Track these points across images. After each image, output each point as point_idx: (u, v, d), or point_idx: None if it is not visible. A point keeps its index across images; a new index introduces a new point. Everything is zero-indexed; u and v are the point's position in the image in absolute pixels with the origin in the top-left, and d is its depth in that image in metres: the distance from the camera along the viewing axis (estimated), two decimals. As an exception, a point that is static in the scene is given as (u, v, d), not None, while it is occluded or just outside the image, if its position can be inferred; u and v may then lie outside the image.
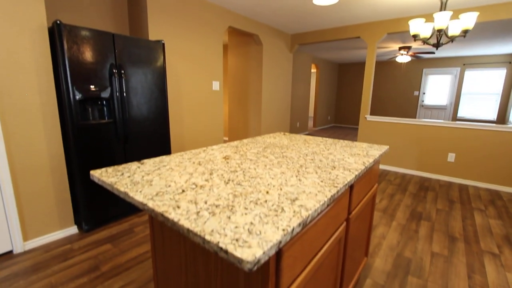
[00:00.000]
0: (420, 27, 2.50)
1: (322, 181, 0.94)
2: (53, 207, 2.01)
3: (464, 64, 7.15)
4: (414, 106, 8.06)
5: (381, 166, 4.22)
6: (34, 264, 1.73)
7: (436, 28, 2.36)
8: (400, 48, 5.92)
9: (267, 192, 0.82)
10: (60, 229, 2.07)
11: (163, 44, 2.49)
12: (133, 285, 1.55)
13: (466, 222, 2.43)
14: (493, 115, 6.97)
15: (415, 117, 8.09)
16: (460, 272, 1.74)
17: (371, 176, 1.41)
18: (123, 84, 2.22)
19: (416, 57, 6.04)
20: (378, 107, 8.74)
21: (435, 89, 7.68)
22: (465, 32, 2.32)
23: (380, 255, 1.91)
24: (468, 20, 2.29)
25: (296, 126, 7.15)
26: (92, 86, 2.06)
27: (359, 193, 1.24)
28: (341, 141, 1.76)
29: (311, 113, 11.79)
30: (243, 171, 1.04)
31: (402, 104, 8.26)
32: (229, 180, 0.94)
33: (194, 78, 3.21)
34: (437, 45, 2.51)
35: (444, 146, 3.66)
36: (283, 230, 0.60)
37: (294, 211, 0.69)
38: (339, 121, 9.63)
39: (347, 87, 9.27)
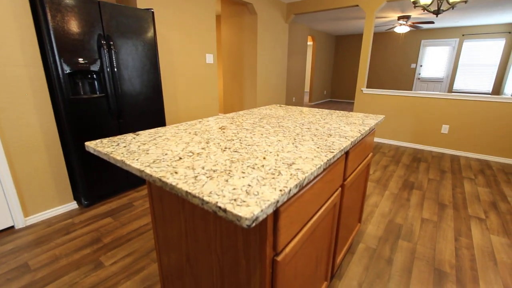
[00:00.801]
0: (420, -7, 2.40)
1: (318, 147, 0.94)
2: (50, 183, 2.01)
3: (463, 35, 6.99)
4: (411, 79, 7.99)
5: (376, 139, 4.26)
6: (37, 238, 1.77)
7: (437, -6, 2.27)
8: (399, 18, 5.73)
9: (264, 158, 0.83)
10: (60, 205, 2.09)
11: (153, 13, 2.36)
12: (135, 255, 1.60)
13: (456, 191, 2.52)
14: (488, 87, 6.96)
15: (411, 90, 8.04)
16: (447, 236, 1.83)
17: (366, 145, 1.42)
18: (113, 57, 2.14)
19: (415, 27, 5.87)
20: (374, 80, 8.65)
21: (433, 61, 7.57)
22: (467, -3, 2.24)
23: (372, 222, 1.99)
24: (471, -16, 2.20)
25: (292, 101, 7.08)
26: (80, 59, 1.98)
27: (354, 161, 1.26)
28: (337, 111, 1.75)
29: (306, 88, 11.64)
30: (240, 140, 1.04)
31: (399, 77, 8.17)
32: (225, 148, 0.94)
33: (186, 51, 3.10)
34: (437, 12, 2.43)
35: (439, 118, 3.68)
36: (281, 190, 0.61)
37: (291, 174, 0.70)
38: (335, 95, 9.55)
39: (344, 60, 9.08)
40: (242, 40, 4.48)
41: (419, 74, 7.84)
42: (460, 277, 1.47)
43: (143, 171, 0.73)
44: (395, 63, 8.16)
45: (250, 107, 4.69)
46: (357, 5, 4.02)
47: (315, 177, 0.84)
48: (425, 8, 2.47)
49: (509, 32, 6.43)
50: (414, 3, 2.41)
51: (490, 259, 1.62)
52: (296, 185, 0.66)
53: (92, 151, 0.96)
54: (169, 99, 3.02)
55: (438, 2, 2.36)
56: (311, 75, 8.24)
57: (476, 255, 1.65)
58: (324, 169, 0.90)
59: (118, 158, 0.82)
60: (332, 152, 0.90)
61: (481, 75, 7.01)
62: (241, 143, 1.00)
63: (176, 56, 3.00)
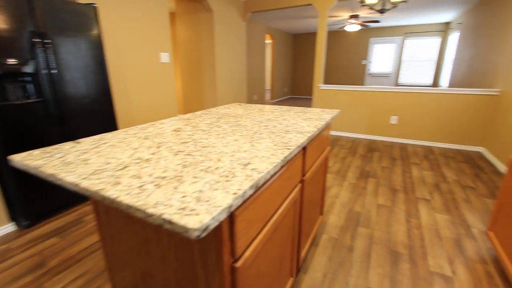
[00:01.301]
0: (366, -7, 2.55)
1: (275, 145, 0.93)
2: (-22, 204, 1.73)
3: (405, 33, 7.67)
4: (362, 74, 8.54)
5: (334, 132, 4.47)
6: (-37, 270, 1.51)
7: (380, -6, 2.43)
8: (350, 17, 6.07)
9: (219, 160, 0.79)
10: (-7, 228, 1.81)
11: (95, 8, 2.15)
12: (86, 277, 1.45)
13: (405, 176, 2.75)
14: (429, 80, 7.74)
15: (363, 85, 8.61)
16: (400, 219, 1.98)
17: (323, 139, 1.46)
18: (51, 56, 1.90)
19: (364, 26, 6.27)
20: (330, 77, 9.08)
21: (380, 57, 8.19)
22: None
23: (334, 212, 2.07)
24: (408, -14, 2.39)
25: (253, 99, 7.12)
26: (9, 59, 1.72)
27: (312, 155, 1.28)
28: (296, 107, 1.77)
29: (267, 85, 11.80)
30: (195, 142, 0.99)
31: (351, 73, 8.68)
32: (178, 151, 0.88)
33: (138, 50, 2.90)
34: (382, 11, 2.61)
35: (388, 110, 3.98)
36: (234, 194, 0.58)
37: (246, 175, 0.68)
38: (295, 92, 9.82)
39: (302, 58, 9.38)
40: (199, 38, 4.36)
41: (369, 69, 8.42)
42: (412, 255, 1.59)
43: (77, 184, 0.64)
44: (347, 60, 8.66)
45: (211, 107, 4.59)
46: (310, 4, 4.15)
47: (272, 176, 0.82)
48: (371, 7, 2.62)
49: (443, 31, 7.22)
50: (361, 2, 2.55)
51: (436, 235, 1.78)
52: (251, 186, 0.63)
53: (19, 166, 0.82)
54: (121, 101, 2.80)
55: (382, 2, 2.53)
56: (271, 73, 8.36)
57: (424, 233, 1.81)
58: (282, 167, 0.89)
59: (49, 172, 0.72)
60: (289, 148, 0.89)
61: (422, 70, 7.76)
62: (195, 145, 0.95)
63: (127, 56, 2.79)
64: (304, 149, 1.13)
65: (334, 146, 3.82)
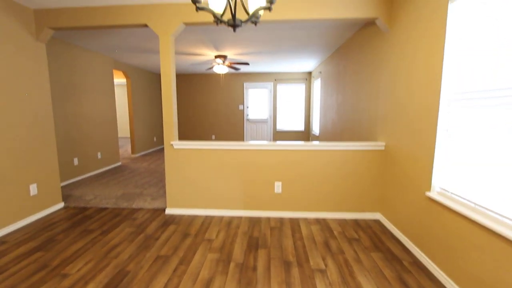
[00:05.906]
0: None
1: None
2: None
3: (275, 80, 7.63)
4: (241, 120, 7.90)
5: (201, 212, 2.97)
6: None
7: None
8: (216, 57, 5.19)
9: None
10: None
11: None
12: None
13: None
14: (302, 126, 7.80)
15: (243, 132, 7.92)
16: None
17: None
18: None
19: (233, 68, 5.53)
20: (205, 122, 8.00)
21: (256, 102, 7.83)
22: (271, 2, 1.35)
23: None
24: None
25: (97, 158, 4.90)
26: None
27: None
28: None
29: (124, 134, 9.65)
30: None
31: (230, 118, 7.91)
32: None
33: None
34: (234, 24, 1.45)
35: (270, 174, 2.88)
36: None
37: None
38: (168, 141, 8.10)
39: (177, 101, 7.93)
40: None
41: (247, 115, 7.88)
42: None
43: None
44: (224, 105, 7.89)
45: None
46: (146, 25, 2.78)
47: None
48: (218, 18, 1.41)
49: (306, 79, 7.55)
50: (194, 2, 1.29)
51: None
52: None
53: None
54: None
55: (231, 8, 1.36)
56: (130, 120, 6.41)
57: None
58: None
59: None
60: None
61: (295, 115, 7.80)
62: None
63: None
64: None
65: (199, 245, 2.28)
